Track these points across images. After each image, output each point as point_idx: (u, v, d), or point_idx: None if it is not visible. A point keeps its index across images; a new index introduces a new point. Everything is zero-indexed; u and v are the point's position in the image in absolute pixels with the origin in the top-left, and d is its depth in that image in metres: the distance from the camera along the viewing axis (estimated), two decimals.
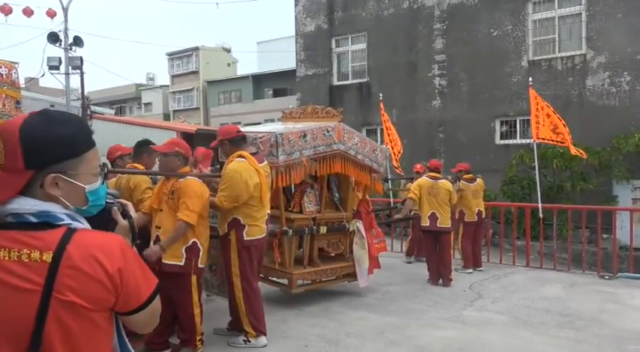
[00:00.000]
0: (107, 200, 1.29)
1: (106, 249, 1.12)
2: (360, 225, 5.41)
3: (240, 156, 3.82)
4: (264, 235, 3.93)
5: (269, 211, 4.00)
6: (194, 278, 3.57)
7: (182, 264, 3.49)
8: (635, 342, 4.09)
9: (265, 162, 4.07)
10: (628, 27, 11.29)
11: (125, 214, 1.32)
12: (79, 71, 15.44)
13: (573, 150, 7.82)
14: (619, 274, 6.83)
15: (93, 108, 17.24)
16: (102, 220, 1.26)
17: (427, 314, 4.86)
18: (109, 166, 4.12)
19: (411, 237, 8.00)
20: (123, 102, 43.37)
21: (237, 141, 3.94)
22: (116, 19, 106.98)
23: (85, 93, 16.07)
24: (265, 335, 3.85)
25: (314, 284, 5.27)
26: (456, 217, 6.93)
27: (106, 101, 40.91)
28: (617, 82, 11.44)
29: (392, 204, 9.21)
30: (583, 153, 8.06)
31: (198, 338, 3.61)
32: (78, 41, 15.26)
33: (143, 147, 4.14)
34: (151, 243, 3.62)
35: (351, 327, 4.37)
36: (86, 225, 1.18)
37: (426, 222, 6.24)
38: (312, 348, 3.90)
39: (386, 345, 3.95)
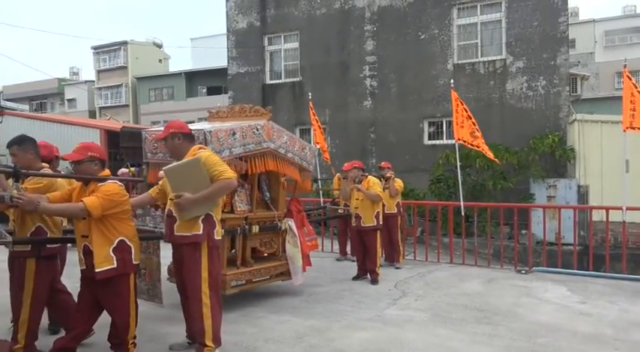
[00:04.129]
0: None
1: None
2: (291, 223, 5.41)
3: (201, 148, 3.61)
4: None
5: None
6: (132, 277, 3.33)
7: (115, 266, 3.22)
8: (544, 335, 4.25)
9: None
10: (543, 34, 12.02)
11: None
12: None
13: (489, 154, 8.16)
14: (534, 268, 7.17)
15: (4, 103, 15.92)
16: None
17: (350, 315, 4.81)
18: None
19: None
20: (43, 98, 40.57)
21: (191, 137, 3.70)
22: (37, 8, 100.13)
23: None
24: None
25: (248, 285, 5.18)
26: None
27: (25, 96, 38.13)
28: (533, 86, 12.13)
29: (322, 204, 9.19)
30: (494, 158, 8.46)
31: (131, 341, 3.35)
32: None
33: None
34: (80, 254, 3.29)
35: (271, 332, 4.22)
36: None
37: (373, 222, 6.39)
38: None
39: (305, 350, 3.84)
